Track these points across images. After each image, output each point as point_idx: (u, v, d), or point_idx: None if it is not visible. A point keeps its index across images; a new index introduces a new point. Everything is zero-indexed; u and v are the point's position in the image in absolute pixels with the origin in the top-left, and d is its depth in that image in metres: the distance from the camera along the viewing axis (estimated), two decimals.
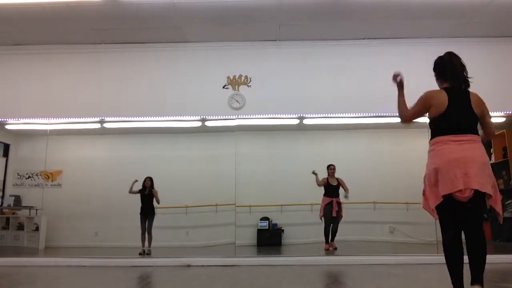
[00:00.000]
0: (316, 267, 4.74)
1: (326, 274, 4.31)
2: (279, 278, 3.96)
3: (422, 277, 3.98)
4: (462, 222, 2.38)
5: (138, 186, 6.24)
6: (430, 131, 2.60)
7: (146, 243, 5.98)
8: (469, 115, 2.47)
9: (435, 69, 2.72)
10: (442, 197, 2.39)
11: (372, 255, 5.61)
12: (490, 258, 5.18)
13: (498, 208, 2.41)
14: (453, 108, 2.46)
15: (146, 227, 6.05)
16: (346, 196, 6.31)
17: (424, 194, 2.56)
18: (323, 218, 6.29)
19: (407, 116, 2.66)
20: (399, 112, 2.72)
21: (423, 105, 2.58)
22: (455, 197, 2.35)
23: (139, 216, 6.10)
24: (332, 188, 6.37)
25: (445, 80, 2.63)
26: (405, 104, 2.72)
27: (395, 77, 2.80)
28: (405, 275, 4.12)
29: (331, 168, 6.44)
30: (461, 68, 2.60)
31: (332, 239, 6.15)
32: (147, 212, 6.11)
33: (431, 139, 2.56)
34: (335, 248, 6.02)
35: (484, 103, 2.57)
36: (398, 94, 2.77)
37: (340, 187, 6.38)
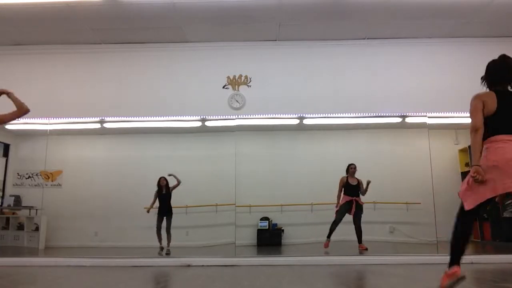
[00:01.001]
0: (316, 267, 4.74)
1: (326, 274, 4.31)
2: (279, 278, 3.96)
3: (422, 277, 3.97)
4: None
5: (153, 188, 6.13)
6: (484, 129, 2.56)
7: (164, 242, 5.92)
8: None
9: (487, 72, 2.74)
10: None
11: (372, 255, 5.61)
12: (490, 258, 5.20)
13: None
14: (503, 109, 2.52)
15: (165, 226, 5.95)
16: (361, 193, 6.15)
17: (468, 184, 2.51)
18: (336, 214, 6.14)
19: (473, 127, 2.55)
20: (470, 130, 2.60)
21: (479, 106, 2.55)
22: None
23: (139, 216, 6.09)
24: (351, 187, 6.15)
25: (494, 84, 2.67)
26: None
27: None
28: (405, 275, 4.12)
29: (351, 168, 6.20)
30: None
31: (360, 241, 5.95)
32: (166, 212, 6.03)
33: (486, 137, 2.54)
34: (366, 249, 5.83)
35: None
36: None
37: (363, 188, 6.18)
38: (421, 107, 5.70)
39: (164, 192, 6.09)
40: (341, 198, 6.15)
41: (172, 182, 6.16)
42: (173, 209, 6.10)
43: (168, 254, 5.80)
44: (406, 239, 6.71)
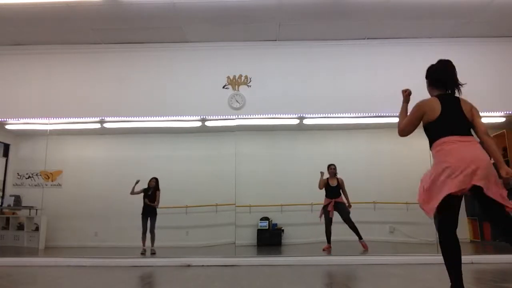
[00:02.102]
0: (316, 267, 4.74)
1: (326, 274, 4.31)
2: (279, 278, 3.96)
3: (422, 277, 3.97)
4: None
5: (142, 185, 6.23)
6: (428, 138, 2.68)
7: (149, 243, 5.97)
8: (463, 119, 2.56)
9: (427, 77, 2.85)
10: (447, 195, 2.38)
11: (372, 255, 5.61)
12: (490, 258, 5.20)
13: (508, 203, 2.41)
14: (447, 113, 2.56)
15: (149, 227, 6.05)
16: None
17: (425, 191, 2.50)
18: (323, 219, 6.24)
19: (399, 129, 2.85)
20: (398, 124, 2.90)
21: (416, 114, 2.69)
22: (454, 193, 2.39)
23: (139, 216, 6.10)
24: (331, 189, 6.29)
25: (437, 87, 2.73)
26: (403, 117, 2.88)
27: (404, 92, 3.04)
28: (405, 275, 4.12)
29: (331, 168, 6.35)
30: (455, 75, 2.70)
31: (360, 237, 5.98)
32: (149, 212, 6.11)
33: (433, 142, 2.60)
34: (366, 249, 5.83)
35: (474, 107, 2.63)
36: (401, 107, 2.99)
37: (343, 190, 6.26)
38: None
39: (150, 193, 6.17)
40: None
41: (161, 185, 6.30)
42: (172, 209, 6.11)
43: (153, 254, 5.83)
44: (406, 239, 6.71)
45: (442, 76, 2.70)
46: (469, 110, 2.58)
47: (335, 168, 6.37)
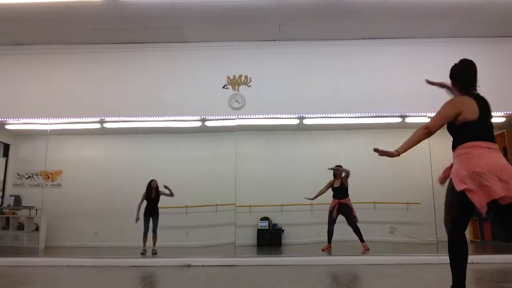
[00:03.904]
0: (316, 267, 4.74)
1: (326, 274, 4.31)
2: (279, 278, 3.96)
3: (422, 277, 3.97)
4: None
5: (141, 190, 6.19)
6: (456, 135, 2.55)
7: (150, 243, 5.95)
8: (491, 124, 2.54)
9: (454, 78, 2.76)
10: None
11: (372, 255, 5.61)
12: (490, 258, 5.20)
13: None
14: (483, 117, 2.50)
15: (151, 227, 6.03)
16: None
17: (472, 191, 2.37)
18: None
19: (428, 124, 2.55)
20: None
21: (452, 111, 2.52)
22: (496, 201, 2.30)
23: (140, 216, 6.09)
24: (335, 190, 6.28)
25: (464, 90, 2.64)
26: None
27: None
28: (405, 275, 4.12)
29: (337, 169, 6.33)
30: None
31: (361, 240, 5.98)
32: (152, 212, 6.09)
33: (460, 143, 2.50)
34: (368, 249, 5.84)
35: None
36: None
37: (346, 178, 6.25)
38: (421, 107, 5.69)
39: (153, 195, 6.14)
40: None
41: (161, 186, 6.24)
42: (172, 209, 6.11)
43: (155, 254, 5.82)
44: (406, 239, 6.71)
45: (471, 79, 2.66)
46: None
47: (341, 168, 6.31)
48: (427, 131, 2.52)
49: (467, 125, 2.48)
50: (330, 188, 6.34)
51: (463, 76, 2.70)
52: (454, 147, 2.55)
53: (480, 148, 2.41)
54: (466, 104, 2.51)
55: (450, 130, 2.59)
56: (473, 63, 2.71)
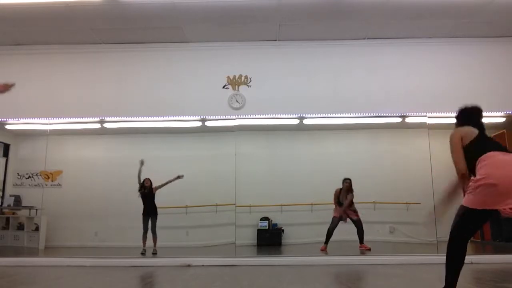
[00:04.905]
0: (316, 267, 4.74)
1: (326, 274, 4.31)
2: (279, 278, 3.96)
3: (422, 277, 3.97)
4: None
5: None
6: (468, 161, 2.57)
7: (150, 243, 5.95)
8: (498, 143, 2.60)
9: (460, 119, 2.85)
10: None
11: (372, 255, 5.61)
12: (490, 258, 5.20)
13: None
14: (483, 134, 2.61)
15: (150, 227, 6.03)
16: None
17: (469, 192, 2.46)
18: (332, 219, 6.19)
19: (458, 168, 2.61)
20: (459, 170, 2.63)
21: (457, 142, 2.62)
22: (500, 211, 2.36)
23: (139, 216, 6.09)
24: (341, 204, 6.17)
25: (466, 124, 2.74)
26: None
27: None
28: (405, 275, 4.12)
29: (346, 183, 6.20)
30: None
31: (361, 241, 5.97)
32: (150, 212, 6.09)
33: (476, 159, 2.49)
34: (369, 249, 5.83)
35: None
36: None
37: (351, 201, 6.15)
38: (421, 107, 5.69)
39: (147, 191, 6.12)
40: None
41: (156, 183, 6.22)
42: (172, 209, 6.10)
43: (155, 254, 5.82)
44: (406, 239, 6.70)
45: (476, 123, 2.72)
46: None
47: (349, 183, 6.20)
48: (461, 176, 2.57)
49: (471, 143, 2.57)
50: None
51: (464, 120, 2.81)
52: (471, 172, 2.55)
53: (492, 157, 2.44)
54: (460, 131, 2.66)
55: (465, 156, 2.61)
56: (476, 110, 2.84)
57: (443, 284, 2.48)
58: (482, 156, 2.46)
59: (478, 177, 2.40)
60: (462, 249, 2.46)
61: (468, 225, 2.49)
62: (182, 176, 6.15)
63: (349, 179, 6.21)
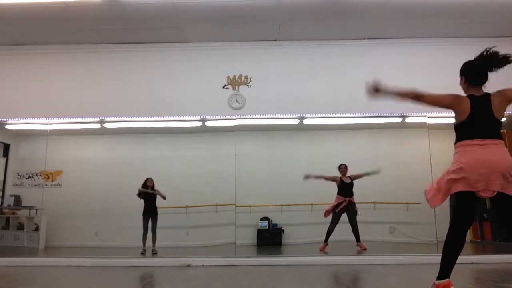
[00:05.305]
0: (316, 267, 4.74)
1: (326, 274, 4.31)
2: (279, 278, 3.96)
3: (422, 277, 3.97)
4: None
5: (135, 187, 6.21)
6: (455, 134, 2.66)
7: (150, 243, 5.96)
8: (491, 121, 2.54)
9: (463, 74, 2.78)
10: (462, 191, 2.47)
11: (372, 255, 5.61)
12: (490, 258, 5.20)
13: None
14: (474, 116, 2.55)
15: (150, 227, 6.04)
16: (371, 173, 6.15)
17: (436, 185, 2.60)
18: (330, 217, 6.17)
19: (426, 95, 2.77)
20: (418, 97, 2.84)
21: (449, 102, 2.65)
22: (478, 195, 2.48)
23: (140, 216, 6.10)
24: (345, 185, 6.19)
25: (473, 85, 2.70)
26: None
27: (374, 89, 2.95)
28: (405, 275, 4.12)
29: (342, 168, 6.27)
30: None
31: (358, 240, 5.96)
32: (150, 212, 6.10)
33: (456, 142, 2.62)
34: (365, 249, 5.83)
35: (502, 92, 2.68)
36: (396, 96, 2.93)
37: (359, 177, 6.20)
38: (421, 107, 5.68)
39: (148, 194, 6.13)
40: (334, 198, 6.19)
41: (161, 185, 6.26)
42: (172, 209, 6.10)
43: (155, 254, 5.82)
44: (406, 239, 6.70)
45: (481, 75, 2.72)
46: (499, 103, 2.59)
47: (345, 167, 6.28)
48: (419, 96, 2.82)
49: (460, 124, 2.60)
50: (336, 185, 6.24)
51: (468, 74, 2.77)
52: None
53: (468, 146, 2.50)
54: (461, 104, 2.59)
55: (454, 129, 2.69)
56: (483, 59, 2.75)
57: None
58: (460, 142, 2.56)
59: (454, 165, 2.50)
60: (460, 236, 2.50)
61: (462, 208, 2.54)
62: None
63: (344, 164, 6.30)
